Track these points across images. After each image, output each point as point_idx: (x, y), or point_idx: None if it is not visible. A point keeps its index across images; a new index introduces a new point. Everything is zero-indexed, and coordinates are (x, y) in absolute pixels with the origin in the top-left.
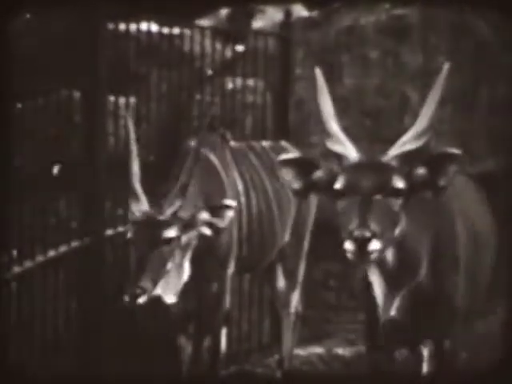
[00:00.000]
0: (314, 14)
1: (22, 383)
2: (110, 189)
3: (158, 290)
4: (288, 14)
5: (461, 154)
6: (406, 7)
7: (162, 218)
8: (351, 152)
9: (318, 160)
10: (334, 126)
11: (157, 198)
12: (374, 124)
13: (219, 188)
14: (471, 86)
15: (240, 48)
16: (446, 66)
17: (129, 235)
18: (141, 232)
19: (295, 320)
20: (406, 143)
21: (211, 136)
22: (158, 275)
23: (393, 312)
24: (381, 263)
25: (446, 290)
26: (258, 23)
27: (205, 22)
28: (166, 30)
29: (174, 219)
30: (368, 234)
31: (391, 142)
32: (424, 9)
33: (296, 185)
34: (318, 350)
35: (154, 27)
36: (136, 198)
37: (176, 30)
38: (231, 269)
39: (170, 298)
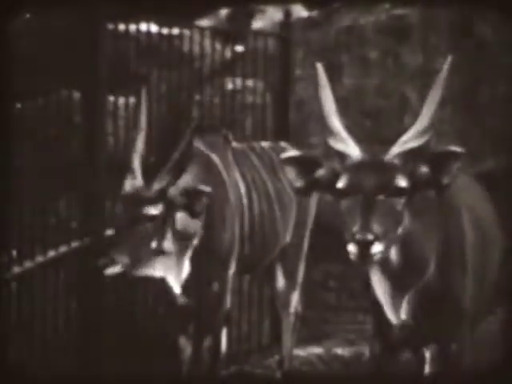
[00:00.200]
0: (314, 14)
1: (22, 383)
2: (109, 189)
3: (160, 273)
4: (288, 14)
5: (463, 152)
6: (406, 7)
7: (147, 194)
8: (353, 150)
9: (320, 158)
10: (335, 122)
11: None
12: (373, 124)
13: (221, 188)
14: (471, 86)
15: (240, 48)
16: (449, 60)
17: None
18: (124, 206)
19: (295, 320)
20: (409, 141)
21: (213, 136)
22: (137, 252)
23: (403, 315)
24: (384, 263)
25: (454, 291)
26: (257, 23)
27: (204, 23)
28: (165, 31)
29: (159, 197)
30: (370, 237)
31: (391, 142)
32: (424, 9)
33: (298, 183)
34: (318, 350)
35: (154, 27)
36: (132, 173)
37: (175, 31)
38: (232, 269)
39: (177, 288)
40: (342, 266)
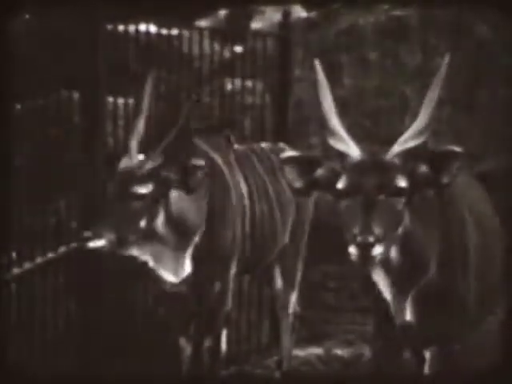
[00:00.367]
0: (313, 14)
1: (22, 383)
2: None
3: (148, 258)
4: (287, 15)
5: (463, 152)
6: (405, 8)
7: (137, 172)
8: (353, 150)
9: (320, 158)
10: (335, 121)
11: None
12: (373, 124)
13: (224, 189)
14: (471, 86)
15: (239, 49)
16: (447, 59)
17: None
18: (116, 183)
19: (294, 321)
20: (408, 140)
21: (215, 137)
22: (124, 229)
23: (408, 316)
24: (385, 263)
25: (456, 291)
26: (256, 24)
27: (203, 23)
28: (164, 31)
29: (150, 176)
30: (371, 240)
31: (391, 142)
32: (423, 9)
33: (298, 183)
34: (317, 350)
35: (153, 28)
36: (129, 154)
37: (175, 31)
38: (233, 269)
39: (169, 276)
40: (342, 266)
